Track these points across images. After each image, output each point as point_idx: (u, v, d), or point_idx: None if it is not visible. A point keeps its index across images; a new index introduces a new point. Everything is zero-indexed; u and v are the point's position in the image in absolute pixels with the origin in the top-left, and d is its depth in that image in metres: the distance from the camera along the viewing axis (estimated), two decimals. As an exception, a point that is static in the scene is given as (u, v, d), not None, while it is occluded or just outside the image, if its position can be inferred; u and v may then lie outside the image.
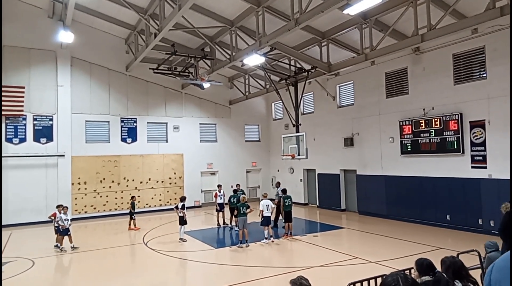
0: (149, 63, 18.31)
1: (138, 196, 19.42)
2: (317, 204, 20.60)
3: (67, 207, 12.83)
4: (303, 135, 16.14)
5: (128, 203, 16.93)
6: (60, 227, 12.16)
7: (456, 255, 4.76)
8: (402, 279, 2.27)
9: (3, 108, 16.92)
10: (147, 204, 20.29)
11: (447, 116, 13.65)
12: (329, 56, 15.71)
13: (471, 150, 13.03)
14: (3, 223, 16.64)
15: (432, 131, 14.20)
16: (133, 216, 15.67)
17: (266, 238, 12.66)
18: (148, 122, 20.90)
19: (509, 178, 11.22)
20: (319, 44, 15.69)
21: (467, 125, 13.15)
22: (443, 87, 13.96)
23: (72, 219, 13.55)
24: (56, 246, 12.36)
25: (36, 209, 17.59)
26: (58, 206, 12.72)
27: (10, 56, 17.46)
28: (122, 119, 20.17)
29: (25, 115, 17.69)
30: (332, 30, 14.89)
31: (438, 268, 4.16)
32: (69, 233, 12.34)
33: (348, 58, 15.36)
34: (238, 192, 16.53)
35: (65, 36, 15.95)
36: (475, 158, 12.90)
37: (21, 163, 17.45)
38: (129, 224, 15.73)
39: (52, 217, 12.55)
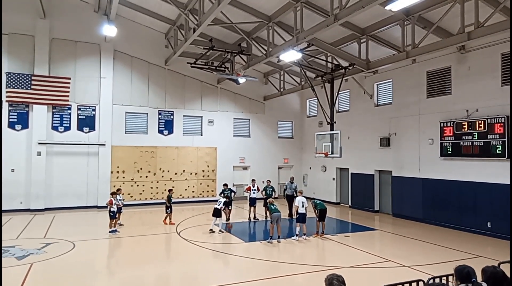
0: (187, 58, 18.69)
1: (173, 187, 19.90)
2: (349, 204, 20.29)
3: (120, 189, 15.20)
4: (337, 133, 15.89)
5: (163, 194, 16.93)
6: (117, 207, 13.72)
7: (498, 265, 4.56)
8: None
9: (51, 97, 17.92)
10: (180, 195, 20.80)
11: (492, 119, 12.97)
12: (368, 53, 15.34)
13: (518, 155, 12.32)
14: (48, 206, 17.78)
15: (475, 134, 13.55)
16: (169, 210, 14.98)
17: (297, 235, 12.67)
18: (184, 115, 21.39)
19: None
20: (358, 41, 15.35)
21: (514, 129, 12.43)
22: (489, 88, 13.27)
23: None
24: (113, 231, 13.23)
25: (77, 194, 18.57)
26: (112, 193, 14.03)
27: (58, 49, 18.44)
28: (159, 112, 20.77)
29: (70, 105, 18.63)
30: (372, 27, 14.51)
31: (479, 277, 4.00)
32: (121, 212, 14.19)
33: (388, 55, 14.94)
34: (267, 188, 16.64)
35: (109, 30, 16.56)
36: (522, 164, 12.18)
37: (65, 150, 18.44)
38: (165, 218, 15.13)
39: (109, 204, 13.40)
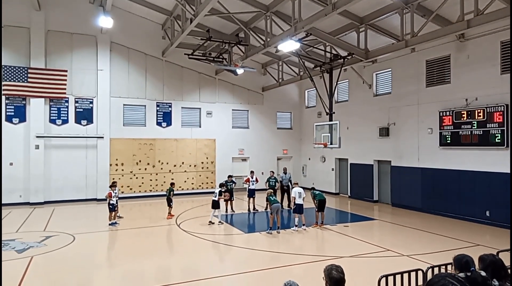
0: (184, 49, 18.54)
1: (172, 179, 19.89)
2: (348, 194, 20.34)
3: (116, 182, 14.62)
4: (336, 123, 15.85)
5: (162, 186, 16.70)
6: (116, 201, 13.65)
7: (496, 253, 4.56)
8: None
9: (48, 90, 17.80)
10: (180, 187, 20.79)
11: (492, 107, 12.93)
12: (367, 42, 15.22)
13: (517, 144, 12.31)
14: (47, 199, 17.78)
15: (474, 123, 13.52)
16: (171, 204, 14.77)
17: (296, 226, 12.70)
18: (182, 107, 21.30)
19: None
20: (356, 30, 15.22)
21: (513, 117, 12.40)
22: (489, 76, 13.19)
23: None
24: (113, 224, 13.28)
25: (76, 187, 18.57)
26: (111, 186, 13.95)
27: (54, 41, 18.25)
28: (157, 104, 20.67)
29: (68, 98, 18.52)
30: (371, 15, 14.37)
31: (477, 266, 3.99)
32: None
33: (387, 44, 14.82)
34: (271, 179, 16.63)
35: (105, 21, 16.35)
36: (521, 152, 12.18)
37: (63, 143, 18.38)
38: (169, 213, 14.81)
39: (108, 197, 13.40)
